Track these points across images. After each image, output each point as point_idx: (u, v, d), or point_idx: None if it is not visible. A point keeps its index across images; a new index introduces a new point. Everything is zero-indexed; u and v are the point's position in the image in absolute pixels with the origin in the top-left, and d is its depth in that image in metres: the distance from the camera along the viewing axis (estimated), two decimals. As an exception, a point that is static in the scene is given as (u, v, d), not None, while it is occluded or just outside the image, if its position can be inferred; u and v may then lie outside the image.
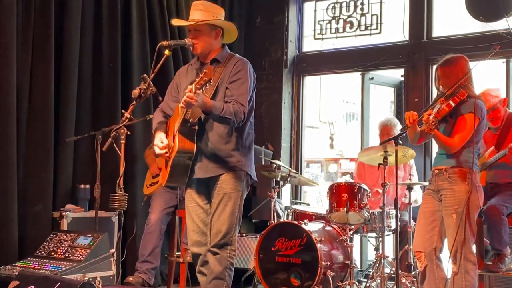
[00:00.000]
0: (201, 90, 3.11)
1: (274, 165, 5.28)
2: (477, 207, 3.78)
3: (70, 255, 4.23)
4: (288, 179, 5.20)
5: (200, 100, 3.14)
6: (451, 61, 3.87)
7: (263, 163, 5.98)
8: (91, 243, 4.28)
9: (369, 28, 6.51)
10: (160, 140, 3.42)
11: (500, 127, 4.45)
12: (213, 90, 3.39)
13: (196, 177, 3.48)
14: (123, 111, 3.62)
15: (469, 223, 3.71)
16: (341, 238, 4.86)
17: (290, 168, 5.31)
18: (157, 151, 3.40)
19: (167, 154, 3.38)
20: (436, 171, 3.87)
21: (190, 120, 3.26)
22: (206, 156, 3.44)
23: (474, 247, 3.91)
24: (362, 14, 6.55)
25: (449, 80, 3.82)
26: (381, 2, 6.45)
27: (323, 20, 6.80)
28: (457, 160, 3.78)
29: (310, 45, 7.08)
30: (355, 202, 4.70)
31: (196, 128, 3.33)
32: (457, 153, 3.78)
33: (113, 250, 4.31)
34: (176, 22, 3.91)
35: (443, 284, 3.83)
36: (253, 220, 5.97)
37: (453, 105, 3.71)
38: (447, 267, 3.89)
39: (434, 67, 6.10)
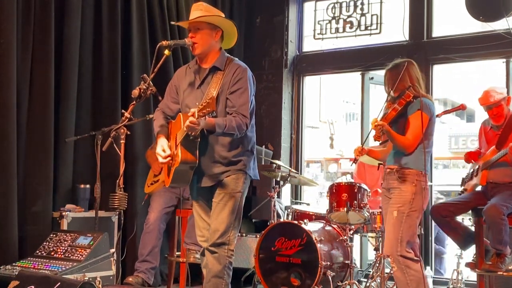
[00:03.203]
0: (204, 118, 3.14)
1: (274, 165, 5.28)
2: (420, 209, 3.83)
3: (70, 255, 4.23)
4: (288, 179, 5.20)
5: (203, 124, 3.21)
6: (398, 65, 3.93)
7: (263, 163, 5.99)
8: (91, 243, 4.28)
9: (369, 28, 6.51)
10: (162, 148, 3.43)
11: (502, 126, 4.45)
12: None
13: (203, 185, 3.52)
14: (123, 111, 3.63)
15: (409, 223, 3.76)
16: (341, 238, 4.86)
17: (290, 168, 5.31)
18: (160, 160, 3.42)
19: (171, 162, 3.40)
20: (388, 170, 3.94)
21: (192, 134, 3.28)
22: (211, 166, 3.48)
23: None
24: (362, 14, 6.55)
25: (393, 82, 3.88)
26: (381, 2, 6.45)
27: (323, 20, 6.80)
28: (407, 160, 3.83)
29: (310, 45, 7.08)
30: (355, 202, 4.70)
31: (199, 140, 3.35)
32: (409, 153, 3.83)
33: (113, 250, 4.31)
34: (176, 22, 3.94)
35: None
36: (253, 220, 5.97)
37: (399, 108, 3.77)
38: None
39: (435, 67, 6.14)
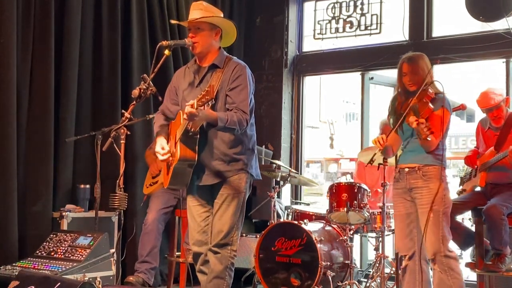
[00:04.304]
0: (203, 107, 3.12)
1: (274, 165, 5.28)
2: (451, 204, 3.79)
3: (70, 255, 4.23)
4: (288, 179, 5.20)
5: (203, 115, 3.18)
6: (417, 58, 3.84)
7: (263, 163, 5.98)
8: (91, 243, 4.28)
9: (369, 28, 6.51)
10: (161, 146, 3.43)
11: (501, 127, 4.43)
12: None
13: (203, 184, 3.51)
14: (123, 111, 3.62)
15: (446, 221, 3.72)
16: (341, 238, 4.86)
17: (290, 168, 5.31)
18: (160, 158, 3.41)
19: (171, 159, 3.39)
20: (407, 169, 3.81)
21: (192, 130, 3.27)
22: (212, 163, 3.47)
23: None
24: (362, 14, 6.55)
25: (417, 76, 3.79)
26: (381, 2, 6.45)
27: (323, 20, 6.80)
28: (430, 157, 3.76)
29: (310, 45, 7.07)
30: (355, 202, 4.70)
31: (198, 137, 3.34)
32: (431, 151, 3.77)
33: (113, 250, 4.31)
34: (176, 21, 3.96)
35: (424, 287, 3.78)
36: (253, 220, 5.97)
37: (432, 106, 3.71)
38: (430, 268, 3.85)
39: (435, 67, 6.11)
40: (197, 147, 3.35)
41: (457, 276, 3.67)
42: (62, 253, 4.28)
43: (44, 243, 4.46)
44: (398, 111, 3.85)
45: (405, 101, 3.82)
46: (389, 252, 5.13)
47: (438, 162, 3.75)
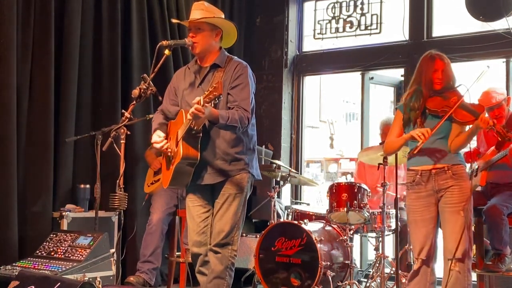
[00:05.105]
0: (209, 104, 3.11)
1: (274, 165, 5.28)
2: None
3: (70, 255, 4.23)
4: (288, 179, 5.20)
5: (208, 112, 3.16)
6: (446, 57, 3.72)
7: (263, 163, 5.98)
8: (91, 243, 4.28)
9: (369, 28, 6.51)
10: (157, 135, 3.44)
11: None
12: None
13: (204, 183, 3.49)
14: (123, 111, 3.62)
15: (472, 220, 3.69)
16: (341, 238, 4.86)
17: (290, 168, 5.31)
18: (157, 146, 3.41)
19: (167, 146, 3.39)
20: (434, 171, 3.66)
21: (195, 128, 3.27)
22: (214, 162, 3.46)
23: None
24: (362, 14, 6.55)
25: (450, 75, 3.67)
26: (381, 2, 6.45)
27: (323, 20, 6.80)
28: (455, 157, 3.69)
29: (310, 45, 7.08)
30: (355, 202, 4.70)
31: (200, 135, 3.34)
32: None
33: (113, 250, 4.30)
34: (177, 20, 3.95)
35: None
36: (253, 220, 5.98)
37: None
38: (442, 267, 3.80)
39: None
40: (199, 145, 3.35)
41: (471, 279, 3.64)
42: (62, 253, 4.28)
43: (44, 243, 4.46)
44: (421, 107, 3.65)
45: (430, 97, 3.64)
46: (389, 252, 5.13)
47: (462, 162, 3.72)
